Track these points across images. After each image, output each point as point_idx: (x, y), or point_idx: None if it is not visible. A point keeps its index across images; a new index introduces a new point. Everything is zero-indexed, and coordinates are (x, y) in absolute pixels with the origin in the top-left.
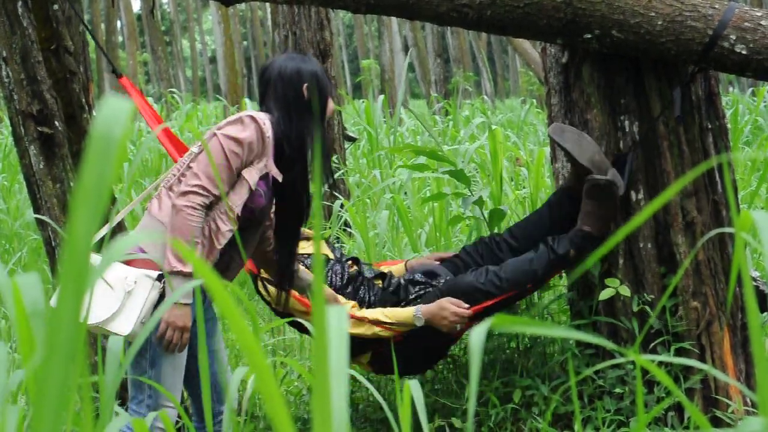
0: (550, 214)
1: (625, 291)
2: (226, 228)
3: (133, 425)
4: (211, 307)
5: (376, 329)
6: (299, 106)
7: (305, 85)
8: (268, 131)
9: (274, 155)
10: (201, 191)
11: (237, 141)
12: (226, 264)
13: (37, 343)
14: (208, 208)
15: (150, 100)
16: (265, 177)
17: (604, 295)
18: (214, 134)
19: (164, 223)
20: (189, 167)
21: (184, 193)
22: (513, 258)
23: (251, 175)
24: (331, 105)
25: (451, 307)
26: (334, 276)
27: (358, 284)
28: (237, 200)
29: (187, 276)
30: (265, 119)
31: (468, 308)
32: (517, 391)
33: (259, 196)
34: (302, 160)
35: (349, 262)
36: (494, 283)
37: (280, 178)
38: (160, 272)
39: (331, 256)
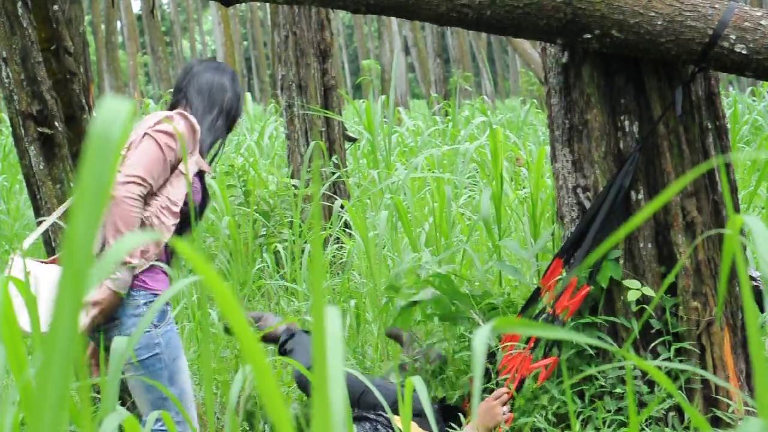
0: None
1: (650, 291)
2: (170, 222)
3: None
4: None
5: None
6: (220, 112)
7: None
8: (197, 126)
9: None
10: (139, 181)
11: (171, 135)
12: (168, 260)
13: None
14: (147, 203)
15: (150, 101)
16: (198, 173)
17: (631, 296)
18: (146, 133)
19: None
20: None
21: (123, 183)
22: None
23: (189, 168)
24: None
25: (496, 405)
26: None
27: None
28: (178, 194)
29: (132, 268)
30: (192, 116)
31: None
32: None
33: (196, 192)
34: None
35: None
36: None
37: (211, 173)
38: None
39: None
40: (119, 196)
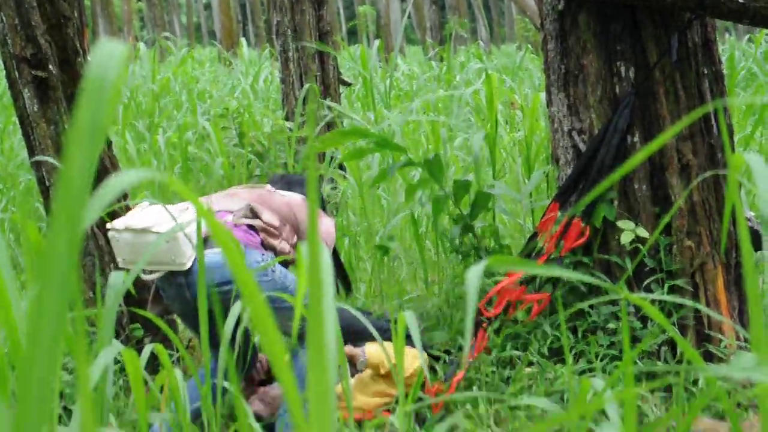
0: None
1: (644, 233)
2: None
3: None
4: None
5: None
6: None
7: None
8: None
9: None
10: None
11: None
12: None
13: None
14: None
15: (142, 45)
16: None
17: (625, 238)
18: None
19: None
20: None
21: None
22: None
23: None
24: None
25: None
26: None
27: None
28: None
29: None
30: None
31: None
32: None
33: None
34: None
35: None
36: None
37: None
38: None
39: None
40: None
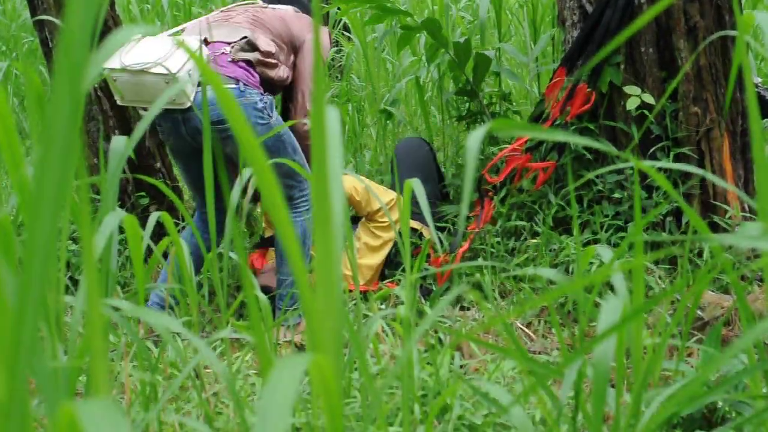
0: None
1: (649, 99)
2: None
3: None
4: None
5: None
6: None
7: None
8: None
9: None
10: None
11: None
12: None
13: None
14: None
15: None
16: None
17: (631, 104)
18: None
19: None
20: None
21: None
22: None
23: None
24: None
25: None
26: None
27: None
28: None
29: None
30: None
31: None
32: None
33: None
34: None
35: None
36: None
37: None
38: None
39: None
40: (305, 131)
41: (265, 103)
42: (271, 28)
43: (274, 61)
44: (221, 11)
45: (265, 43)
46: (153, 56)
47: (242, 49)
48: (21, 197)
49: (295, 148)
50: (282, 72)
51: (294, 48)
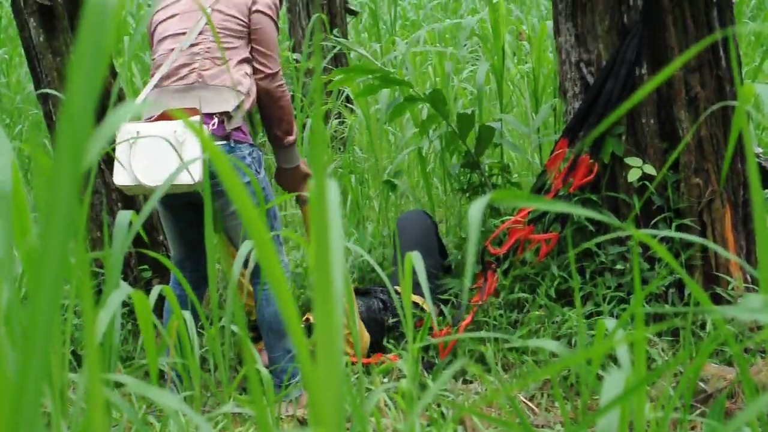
0: None
1: (651, 170)
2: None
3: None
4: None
5: None
6: None
7: None
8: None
9: None
10: (280, 68)
11: (277, 8)
12: None
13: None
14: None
15: None
16: None
17: (632, 176)
18: (262, 12)
19: (241, 92)
20: (257, 49)
21: (278, 76)
22: None
23: None
24: None
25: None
26: None
27: None
28: None
29: (294, 143)
30: None
31: None
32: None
33: None
34: None
35: None
36: None
37: None
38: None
39: None
40: (282, 88)
41: (254, 157)
42: (236, 16)
43: (245, 90)
44: (178, 33)
45: (239, 77)
46: (166, 165)
47: (227, 119)
48: (26, 269)
49: (275, 214)
50: (247, 81)
51: (246, 25)
